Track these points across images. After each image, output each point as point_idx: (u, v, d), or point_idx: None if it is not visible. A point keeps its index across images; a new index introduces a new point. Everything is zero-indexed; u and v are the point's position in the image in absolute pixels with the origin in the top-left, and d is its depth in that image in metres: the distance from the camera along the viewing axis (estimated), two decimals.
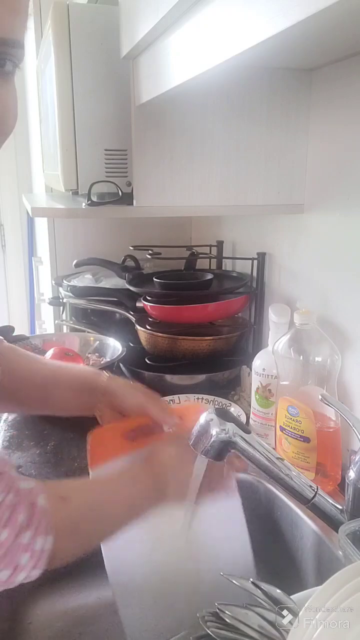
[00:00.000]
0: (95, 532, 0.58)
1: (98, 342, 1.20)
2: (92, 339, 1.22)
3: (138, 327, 1.15)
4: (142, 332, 1.14)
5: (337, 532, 0.56)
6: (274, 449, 0.77)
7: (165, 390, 1.02)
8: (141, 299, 1.15)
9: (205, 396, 1.01)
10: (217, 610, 0.46)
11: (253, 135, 0.87)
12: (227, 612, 0.46)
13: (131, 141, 0.87)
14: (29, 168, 2.34)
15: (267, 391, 0.90)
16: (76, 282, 1.37)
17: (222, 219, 1.31)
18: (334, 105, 0.83)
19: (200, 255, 1.26)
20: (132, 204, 0.89)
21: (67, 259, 1.47)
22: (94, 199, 0.90)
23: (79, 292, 1.31)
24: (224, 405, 0.99)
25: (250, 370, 0.95)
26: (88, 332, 1.26)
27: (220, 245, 1.28)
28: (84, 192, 0.92)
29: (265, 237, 1.09)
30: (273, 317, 0.90)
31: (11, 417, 1.03)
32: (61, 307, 1.43)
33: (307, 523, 0.71)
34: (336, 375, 0.82)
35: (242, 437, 0.59)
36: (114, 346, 1.15)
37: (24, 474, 0.83)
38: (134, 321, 1.18)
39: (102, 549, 0.63)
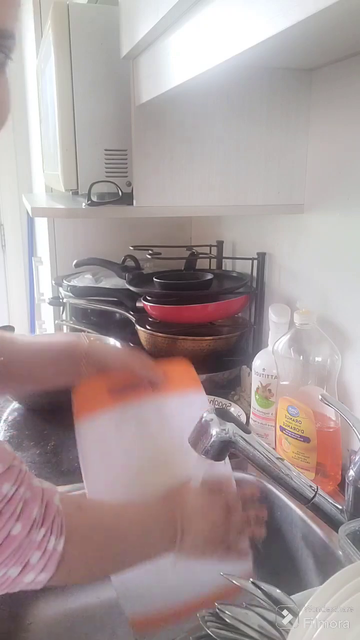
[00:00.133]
0: (103, 558, 0.55)
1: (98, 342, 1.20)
2: (92, 339, 1.22)
3: (138, 327, 1.15)
4: (142, 332, 1.14)
5: (337, 532, 0.56)
6: (274, 449, 0.77)
7: None
8: (141, 299, 1.15)
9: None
10: (217, 610, 0.46)
11: (253, 135, 0.87)
12: (227, 612, 0.46)
13: (131, 141, 0.87)
14: (29, 168, 2.34)
15: (267, 391, 0.90)
16: (76, 282, 1.37)
17: (222, 219, 1.31)
18: (334, 105, 0.83)
19: (200, 255, 1.26)
20: (132, 204, 0.89)
21: (67, 259, 1.47)
22: (94, 199, 0.90)
23: (79, 292, 1.31)
24: (224, 405, 0.99)
25: (250, 370, 0.95)
26: (88, 332, 1.25)
27: (220, 245, 1.28)
28: (84, 192, 0.92)
29: (265, 237, 1.09)
30: (273, 317, 0.90)
31: (11, 417, 1.03)
32: (61, 307, 1.43)
33: (307, 523, 0.71)
34: (336, 375, 0.82)
35: (242, 437, 0.59)
36: (114, 346, 1.15)
37: None
38: (134, 321, 1.18)
39: None
